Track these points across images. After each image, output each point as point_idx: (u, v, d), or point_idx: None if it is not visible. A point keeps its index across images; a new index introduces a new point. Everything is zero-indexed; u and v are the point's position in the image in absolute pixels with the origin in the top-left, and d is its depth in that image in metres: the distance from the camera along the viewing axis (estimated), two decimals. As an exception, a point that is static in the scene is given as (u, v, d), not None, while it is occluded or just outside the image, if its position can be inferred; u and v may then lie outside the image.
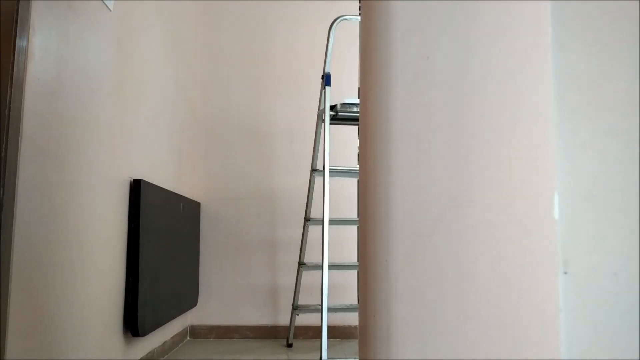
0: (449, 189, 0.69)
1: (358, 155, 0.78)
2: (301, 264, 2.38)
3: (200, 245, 2.73)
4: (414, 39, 0.71)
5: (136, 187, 1.77)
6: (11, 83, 1.05)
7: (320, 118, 2.29)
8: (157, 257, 1.93)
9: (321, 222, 2.11)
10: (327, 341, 2.49)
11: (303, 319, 2.71)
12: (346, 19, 2.29)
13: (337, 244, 2.78)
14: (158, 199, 1.97)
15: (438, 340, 0.67)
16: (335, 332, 2.60)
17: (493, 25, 0.73)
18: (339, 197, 2.81)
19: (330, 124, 2.47)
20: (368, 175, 0.72)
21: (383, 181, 0.70)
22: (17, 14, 1.07)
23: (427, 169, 0.70)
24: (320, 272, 2.38)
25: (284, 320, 2.73)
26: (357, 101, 2.21)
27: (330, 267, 2.25)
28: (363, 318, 0.71)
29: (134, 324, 1.71)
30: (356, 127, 2.78)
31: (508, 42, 0.73)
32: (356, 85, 2.90)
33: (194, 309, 2.67)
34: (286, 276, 2.76)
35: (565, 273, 0.67)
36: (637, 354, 0.63)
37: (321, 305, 1.97)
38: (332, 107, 2.25)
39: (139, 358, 1.89)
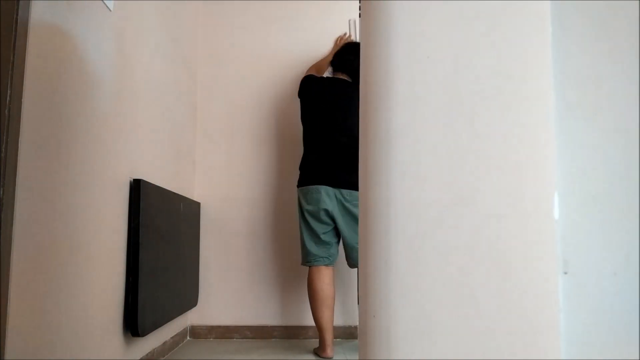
0: (449, 189, 0.69)
1: (358, 155, 0.79)
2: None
3: (200, 245, 2.73)
4: (414, 39, 0.71)
5: (136, 187, 1.77)
6: (11, 83, 1.05)
7: None
8: (157, 257, 1.93)
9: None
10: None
11: (303, 319, 2.71)
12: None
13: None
14: (158, 199, 1.97)
15: (438, 340, 0.67)
16: (335, 332, 2.59)
17: (493, 25, 0.73)
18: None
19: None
20: (368, 175, 0.72)
21: (383, 181, 0.70)
22: (17, 14, 1.07)
23: (428, 169, 0.70)
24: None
25: (283, 320, 2.73)
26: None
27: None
28: (363, 318, 0.71)
29: (134, 324, 1.70)
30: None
31: (508, 41, 0.73)
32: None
33: (194, 309, 2.66)
34: (286, 276, 2.76)
35: (565, 273, 0.67)
36: (637, 354, 0.63)
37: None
38: None
39: (139, 358, 1.89)
